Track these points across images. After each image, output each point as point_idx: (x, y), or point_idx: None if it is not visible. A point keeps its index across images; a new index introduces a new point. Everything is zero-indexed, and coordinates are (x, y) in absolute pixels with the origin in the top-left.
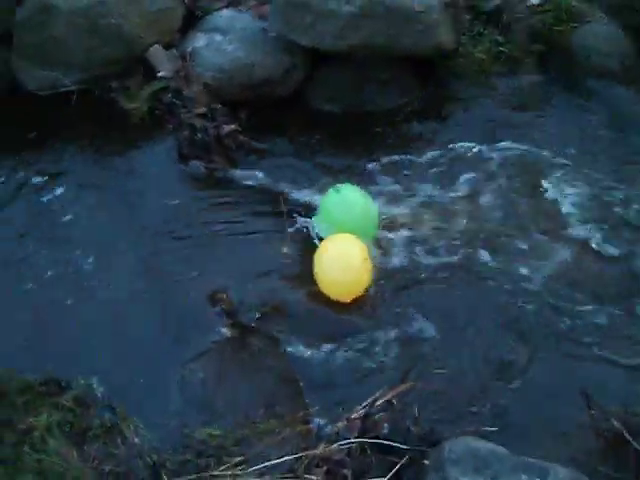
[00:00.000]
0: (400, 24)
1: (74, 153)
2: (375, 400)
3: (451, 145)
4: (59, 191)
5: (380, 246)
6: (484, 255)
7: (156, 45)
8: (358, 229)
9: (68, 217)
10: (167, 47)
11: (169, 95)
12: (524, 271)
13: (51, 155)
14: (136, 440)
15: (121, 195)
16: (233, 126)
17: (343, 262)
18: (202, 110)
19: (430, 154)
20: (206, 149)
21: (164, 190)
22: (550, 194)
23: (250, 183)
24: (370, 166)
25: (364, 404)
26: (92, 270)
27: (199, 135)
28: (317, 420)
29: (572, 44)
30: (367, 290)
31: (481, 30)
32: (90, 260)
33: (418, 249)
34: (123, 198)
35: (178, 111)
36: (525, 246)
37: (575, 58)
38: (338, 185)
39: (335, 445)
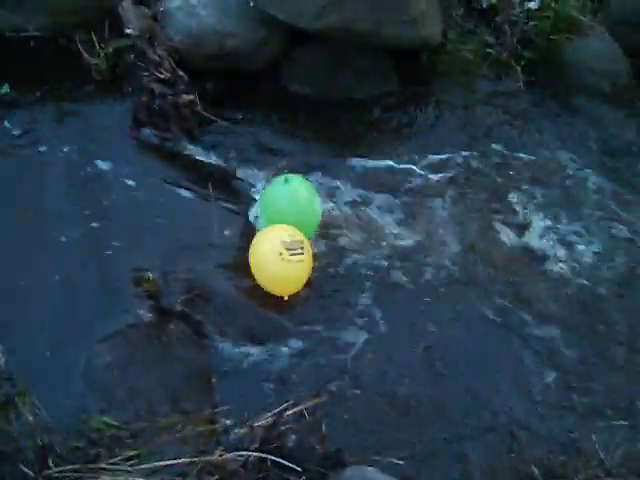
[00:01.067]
0: (385, 11)
1: (27, 101)
2: (284, 410)
3: (420, 148)
4: None
5: (321, 243)
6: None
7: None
8: (300, 223)
9: None
10: (140, 3)
11: (132, 55)
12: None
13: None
14: (30, 418)
15: (63, 154)
16: (192, 97)
17: (276, 254)
18: (164, 76)
19: (396, 155)
20: (163, 117)
21: (109, 155)
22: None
23: (201, 159)
24: (329, 159)
25: (272, 412)
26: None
27: (157, 102)
28: (224, 421)
29: (565, 56)
30: (304, 286)
31: (472, 28)
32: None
33: (359, 252)
34: (64, 157)
35: (139, 73)
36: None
37: (566, 72)
38: (287, 175)
39: (232, 454)
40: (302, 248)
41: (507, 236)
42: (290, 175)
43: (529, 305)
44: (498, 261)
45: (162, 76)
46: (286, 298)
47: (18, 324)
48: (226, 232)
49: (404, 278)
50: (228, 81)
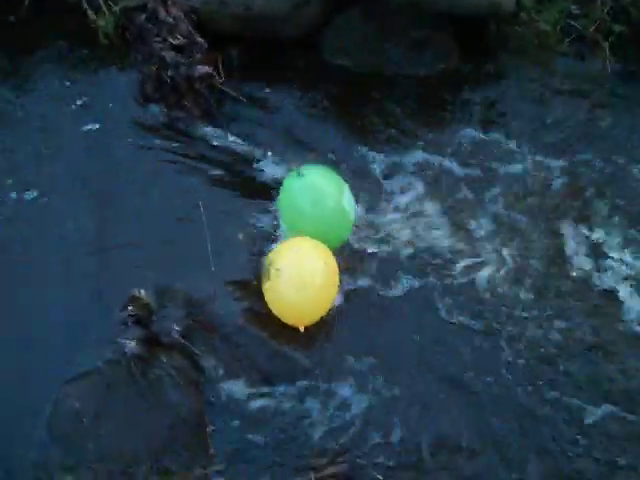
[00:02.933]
0: None
1: (21, 69)
2: None
3: (484, 139)
4: None
5: (349, 258)
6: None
7: None
8: (323, 228)
9: None
10: None
11: (143, 16)
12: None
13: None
14: None
15: (58, 127)
16: (208, 68)
17: (298, 280)
18: (178, 41)
19: (453, 146)
20: (174, 91)
21: (111, 136)
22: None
23: (216, 143)
24: (367, 149)
25: None
26: None
27: (169, 72)
28: None
29: None
30: (326, 315)
31: None
32: None
33: (395, 269)
34: (60, 133)
35: (150, 39)
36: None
37: None
38: (305, 166)
39: None
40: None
41: (580, 264)
42: (306, 167)
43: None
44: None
45: (176, 42)
46: (302, 329)
47: None
48: (240, 236)
49: (453, 310)
50: (255, 50)
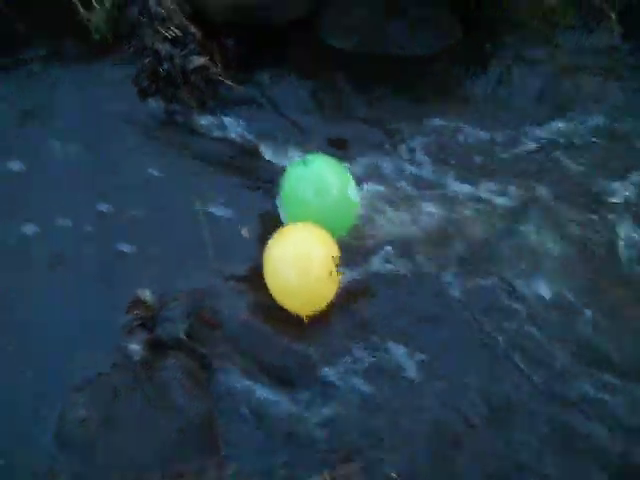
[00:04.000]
0: None
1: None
2: None
3: (489, 118)
4: None
5: (353, 243)
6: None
7: None
8: (329, 218)
9: None
10: None
11: (135, 9)
12: None
13: None
14: None
15: (52, 129)
16: (203, 59)
17: (300, 265)
18: (172, 33)
19: (457, 127)
20: (171, 84)
21: (107, 133)
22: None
23: (216, 135)
24: (375, 133)
25: None
26: None
27: (164, 65)
28: None
29: None
30: (331, 303)
31: None
32: None
33: (403, 253)
34: (54, 135)
35: (143, 31)
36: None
37: None
38: (309, 155)
39: None
40: None
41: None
42: (311, 155)
43: None
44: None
45: (170, 34)
46: (306, 319)
47: None
48: (243, 232)
49: (464, 295)
50: (252, 37)
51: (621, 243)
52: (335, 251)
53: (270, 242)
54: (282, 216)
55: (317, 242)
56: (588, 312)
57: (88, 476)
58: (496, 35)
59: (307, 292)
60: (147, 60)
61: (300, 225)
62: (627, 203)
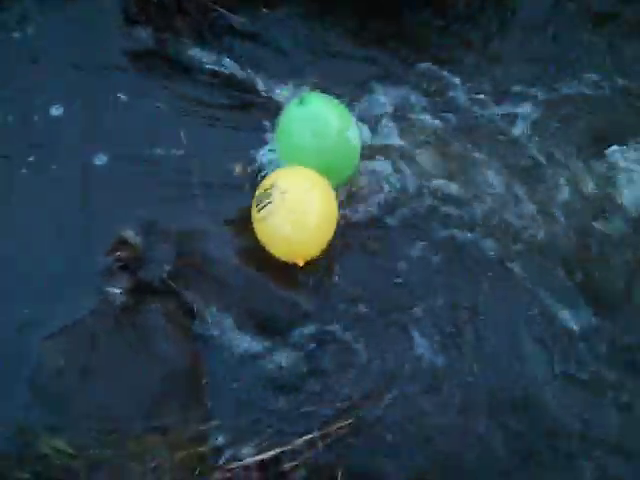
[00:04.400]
0: None
1: None
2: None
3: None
4: None
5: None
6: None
7: None
8: (327, 163)
9: None
10: None
11: None
12: None
13: None
14: None
15: (34, 56)
16: None
17: (294, 214)
18: None
19: (468, 69)
20: (163, 11)
21: (95, 64)
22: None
23: (211, 68)
24: (380, 72)
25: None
26: None
27: None
28: (215, 438)
29: None
30: (326, 249)
31: None
32: None
33: (401, 203)
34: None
35: None
36: None
37: None
38: (305, 94)
39: None
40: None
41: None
42: (309, 93)
43: None
44: None
45: None
46: (301, 264)
47: None
48: (235, 169)
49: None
50: None
51: None
52: (333, 197)
53: (259, 187)
54: (277, 157)
55: (311, 187)
56: None
57: (64, 428)
58: None
59: (297, 241)
60: None
61: (293, 169)
62: None
